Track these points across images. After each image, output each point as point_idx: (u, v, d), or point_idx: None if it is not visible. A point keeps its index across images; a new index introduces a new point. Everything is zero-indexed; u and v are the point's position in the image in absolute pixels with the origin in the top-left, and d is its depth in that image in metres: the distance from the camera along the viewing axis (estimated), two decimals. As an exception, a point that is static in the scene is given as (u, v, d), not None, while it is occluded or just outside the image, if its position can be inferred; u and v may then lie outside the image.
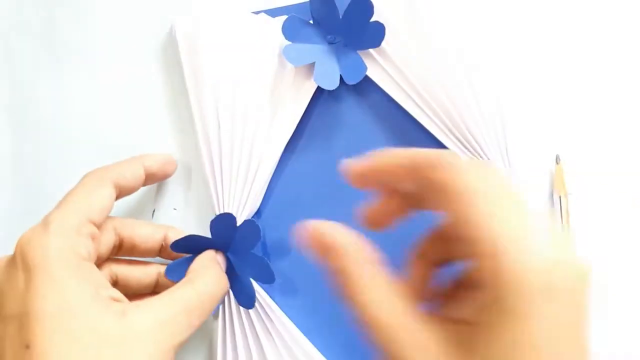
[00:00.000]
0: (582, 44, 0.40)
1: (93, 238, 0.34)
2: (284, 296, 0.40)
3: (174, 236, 0.38)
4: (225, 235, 0.38)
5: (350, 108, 0.41)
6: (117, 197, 0.37)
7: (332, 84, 0.39)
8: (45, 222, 0.32)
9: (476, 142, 0.37)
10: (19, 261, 0.31)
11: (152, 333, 0.30)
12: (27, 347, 0.28)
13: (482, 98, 0.37)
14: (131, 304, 0.31)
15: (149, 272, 0.39)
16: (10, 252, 0.44)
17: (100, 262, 0.35)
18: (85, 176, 0.36)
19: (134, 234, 0.38)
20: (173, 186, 0.43)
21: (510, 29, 0.40)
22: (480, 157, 0.37)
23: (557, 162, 0.38)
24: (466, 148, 0.38)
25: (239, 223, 0.38)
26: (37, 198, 0.45)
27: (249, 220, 0.38)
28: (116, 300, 0.32)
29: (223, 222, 0.38)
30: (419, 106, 0.39)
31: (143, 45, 0.44)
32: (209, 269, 0.36)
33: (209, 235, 0.38)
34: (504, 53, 0.38)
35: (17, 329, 0.29)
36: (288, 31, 0.39)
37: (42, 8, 0.46)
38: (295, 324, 0.39)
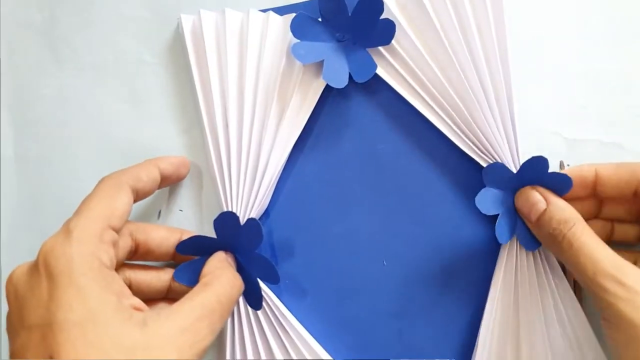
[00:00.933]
0: (593, 45, 0.40)
1: (114, 245, 0.34)
2: (292, 297, 0.40)
3: (186, 237, 0.38)
4: (230, 235, 0.38)
5: (359, 106, 0.41)
6: (134, 201, 0.37)
7: (341, 82, 0.39)
8: (67, 230, 0.32)
9: (487, 141, 0.37)
10: (42, 269, 0.31)
11: (175, 341, 0.30)
12: (51, 357, 0.28)
13: (493, 97, 0.37)
14: (152, 313, 0.31)
15: (162, 277, 0.38)
16: (18, 251, 0.44)
17: (116, 268, 0.35)
18: (102, 181, 0.36)
19: (149, 238, 0.38)
20: (179, 186, 0.43)
21: (521, 27, 0.40)
22: (492, 156, 0.37)
23: (561, 168, 0.38)
24: (477, 147, 0.38)
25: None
26: (41, 198, 0.44)
27: (251, 219, 0.37)
28: (137, 309, 0.31)
29: (226, 222, 0.38)
30: (429, 105, 0.39)
31: (148, 43, 0.44)
32: (223, 270, 0.36)
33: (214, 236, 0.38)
34: (515, 52, 0.38)
35: (40, 338, 0.29)
36: (296, 29, 0.39)
37: (45, 6, 0.45)
38: (302, 324, 0.39)
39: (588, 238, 0.33)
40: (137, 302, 0.32)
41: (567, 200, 0.35)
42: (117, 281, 0.32)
